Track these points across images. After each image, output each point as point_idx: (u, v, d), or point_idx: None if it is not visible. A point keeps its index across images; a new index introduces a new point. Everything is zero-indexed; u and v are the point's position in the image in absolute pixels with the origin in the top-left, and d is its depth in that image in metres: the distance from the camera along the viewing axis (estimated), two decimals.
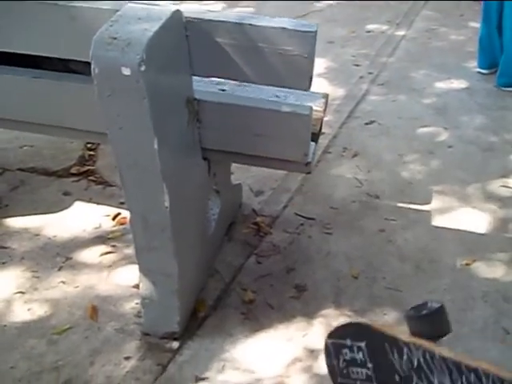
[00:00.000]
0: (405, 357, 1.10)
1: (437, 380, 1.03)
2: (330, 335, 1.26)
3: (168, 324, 2.16)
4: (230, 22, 1.74)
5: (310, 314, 2.29)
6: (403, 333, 1.11)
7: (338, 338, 1.26)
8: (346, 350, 1.26)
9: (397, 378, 1.13)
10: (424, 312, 1.12)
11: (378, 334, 1.17)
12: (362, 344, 1.22)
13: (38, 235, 2.68)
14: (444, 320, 1.12)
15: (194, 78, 1.92)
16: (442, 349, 1.03)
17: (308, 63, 1.75)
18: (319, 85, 3.72)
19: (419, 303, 1.09)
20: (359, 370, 1.24)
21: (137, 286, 2.26)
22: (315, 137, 2.26)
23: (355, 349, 1.24)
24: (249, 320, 2.27)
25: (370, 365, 1.22)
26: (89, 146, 3.26)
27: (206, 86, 2.11)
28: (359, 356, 1.23)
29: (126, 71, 1.52)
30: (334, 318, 2.28)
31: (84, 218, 2.78)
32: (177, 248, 1.96)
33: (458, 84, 4.16)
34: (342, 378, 1.27)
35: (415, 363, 1.08)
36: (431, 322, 1.10)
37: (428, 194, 2.99)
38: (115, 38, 1.56)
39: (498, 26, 4.06)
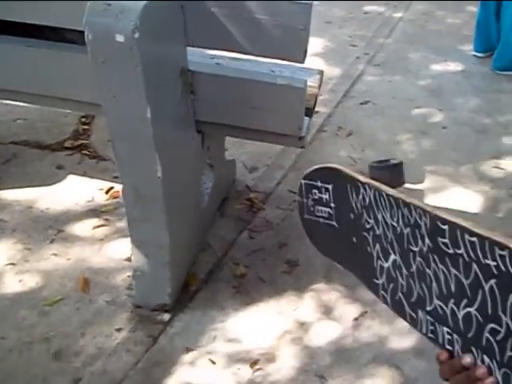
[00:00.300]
0: (360, 196, 1.24)
1: (380, 215, 1.16)
2: (305, 177, 1.42)
3: (159, 296, 2.17)
4: None
5: (301, 288, 2.30)
6: (364, 177, 1.23)
7: (311, 179, 1.44)
8: (315, 190, 1.43)
9: (352, 216, 1.28)
10: (385, 164, 1.19)
11: (343, 175, 1.31)
12: (330, 186, 1.39)
13: (30, 208, 2.68)
14: (400, 173, 1.21)
15: (189, 50, 1.91)
16: (389, 189, 1.13)
17: (303, 35, 1.74)
18: (316, 64, 3.70)
19: (382, 159, 1.20)
20: (323, 208, 1.42)
21: (129, 259, 2.26)
22: (309, 112, 2.26)
23: (323, 190, 1.41)
24: (240, 294, 2.28)
25: (332, 204, 1.39)
26: (83, 120, 3.25)
27: (200, 59, 2.10)
28: (325, 196, 1.40)
29: (120, 38, 1.51)
30: (324, 292, 2.29)
31: (77, 191, 2.78)
32: (169, 220, 1.96)
33: (453, 66, 4.15)
34: (307, 215, 1.48)
35: (367, 201, 1.21)
36: (390, 172, 1.20)
37: (421, 173, 2.99)
38: (109, 5, 1.55)
39: (496, 11, 4.06)
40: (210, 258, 2.42)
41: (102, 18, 1.53)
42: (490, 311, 0.92)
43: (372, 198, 1.24)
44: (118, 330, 2.13)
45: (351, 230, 1.35)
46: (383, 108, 3.56)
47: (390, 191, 1.16)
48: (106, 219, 2.62)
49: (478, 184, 2.93)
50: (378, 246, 1.25)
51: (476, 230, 0.94)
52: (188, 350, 2.06)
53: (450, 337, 1.01)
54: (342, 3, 5.04)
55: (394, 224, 1.18)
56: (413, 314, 1.12)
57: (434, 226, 1.05)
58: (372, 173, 1.36)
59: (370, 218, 1.26)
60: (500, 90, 3.84)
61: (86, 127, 3.21)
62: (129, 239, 2.10)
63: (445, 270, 1.03)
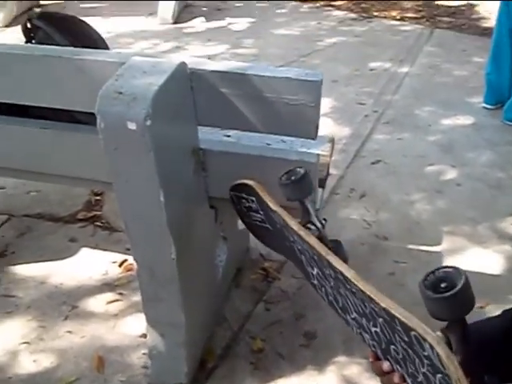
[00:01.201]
0: (275, 218, 1.51)
1: (295, 237, 1.41)
2: (231, 189, 1.68)
3: (176, 376, 2.13)
4: (233, 72, 1.73)
5: (320, 362, 2.25)
6: (272, 201, 1.52)
7: (237, 191, 1.66)
8: (244, 201, 1.65)
9: (277, 226, 1.50)
10: (292, 178, 1.53)
11: (259, 196, 1.54)
12: (254, 198, 1.60)
13: (44, 283, 2.66)
14: (306, 184, 1.53)
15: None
16: (292, 223, 1.41)
17: (314, 112, 1.74)
18: (324, 124, 3.68)
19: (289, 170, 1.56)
20: (256, 214, 1.65)
21: (144, 336, 2.23)
22: (322, 182, 2.24)
23: (249, 200, 1.62)
24: (258, 370, 2.23)
25: (261, 212, 1.61)
26: (95, 191, 3.25)
27: (211, 134, 2.11)
28: (253, 205, 1.62)
29: (132, 126, 1.51)
30: (345, 365, 2.24)
31: (90, 264, 2.76)
32: (184, 299, 1.94)
33: (463, 120, 4.15)
34: (246, 218, 1.70)
35: (281, 223, 1.47)
36: (297, 187, 1.53)
37: (438, 234, 2.96)
38: (121, 93, 1.55)
39: (511, 63, 4.08)
40: (226, 332, 2.38)
41: (114, 106, 1.53)
42: (387, 337, 1.06)
43: (283, 224, 1.47)
44: None
45: (282, 235, 1.52)
46: (395, 167, 3.55)
47: (294, 226, 1.42)
48: (120, 293, 2.59)
49: (497, 243, 2.89)
50: (303, 256, 1.43)
51: (355, 283, 1.12)
52: None
53: (372, 342, 1.14)
54: (348, 61, 5.09)
55: (306, 248, 1.38)
56: (343, 316, 1.26)
57: (330, 267, 1.22)
58: (282, 190, 1.50)
59: (290, 235, 1.46)
60: None
61: (98, 198, 3.22)
62: (143, 314, 2.07)
63: (349, 294, 1.17)
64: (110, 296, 2.58)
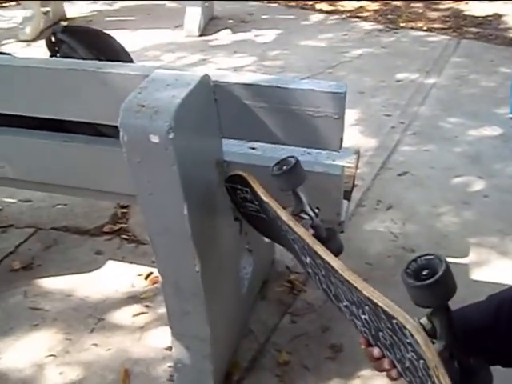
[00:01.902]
0: (268, 208, 1.52)
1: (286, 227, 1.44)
2: (226, 180, 1.72)
3: None
4: (257, 84, 1.73)
5: (346, 375, 2.23)
6: (264, 192, 1.56)
7: (232, 183, 1.70)
8: (239, 192, 1.69)
9: (271, 215, 1.54)
10: (284, 168, 1.54)
11: (252, 186, 1.59)
12: (248, 189, 1.63)
13: (70, 296, 2.68)
14: (297, 173, 1.53)
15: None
16: (283, 213, 1.45)
17: (338, 124, 1.73)
18: (350, 136, 3.70)
19: (281, 159, 1.57)
20: (251, 204, 1.68)
21: (169, 348, 2.23)
22: (348, 194, 2.23)
23: (244, 191, 1.66)
24: (284, 383, 2.22)
25: (256, 202, 1.63)
26: (121, 204, 3.27)
27: (235, 147, 2.11)
28: (248, 196, 1.65)
29: (155, 139, 1.52)
30: (370, 379, 2.21)
31: (116, 277, 2.77)
32: (209, 312, 1.93)
33: (491, 131, 4.10)
34: (242, 209, 1.75)
35: (274, 214, 1.51)
36: (288, 177, 1.54)
37: (465, 246, 2.92)
38: (143, 106, 1.56)
39: None
40: (252, 345, 2.37)
41: (137, 119, 1.54)
42: (375, 324, 1.09)
43: (275, 215, 1.50)
44: None
45: (277, 224, 1.55)
46: (422, 179, 3.52)
47: (284, 216, 1.46)
48: (146, 306, 2.60)
49: None
50: (296, 246, 1.46)
51: (340, 273, 1.15)
52: None
53: (363, 329, 1.17)
54: (374, 72, 5.07)
55: (297, 238, 1.41)
56: (336, 303, 1.29)
57: (318, 257, 1.26)
58: (275, 181, 1.52)
59: (283, 225, 1.48)
60: None
61: (124, 210, 3.24)
62: (169, 327, 2.07)
63: (339, 283, 1.20)
64: (135, 309, 2.59)
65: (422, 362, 0.96)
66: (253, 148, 2.16)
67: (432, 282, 0.93)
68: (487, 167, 3.65)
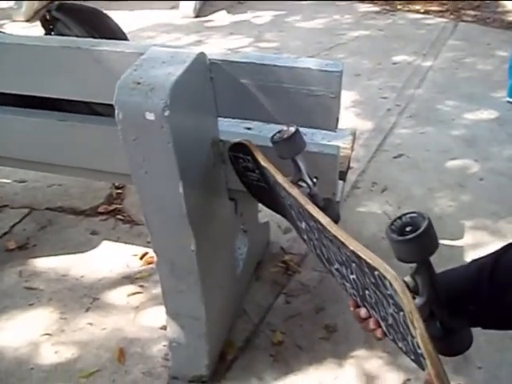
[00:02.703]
0: (267, 173, 1.57)
1: (284, 192, 1.46)
2: (229, 149, 1.74)
3: (196, 367, 2.13)
4: (254, 63, 1.72)
5: (340, 355, 2.24)
6: (263, 158, 1.58)
7: (235, 151, 1.72)
8: (241, 160, 1.71)
9: (271, 182, 1.57)
10: (284, 136, 1.53)
11: (252, 153, 1.61)
12: (249, 157, 1.65)
13: (65, 276, 2.68)
14: (296, 141, 1.54)
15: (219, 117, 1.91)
16: (279, 177, 1.48)
17: (334, 103, 1.72)
18: (346, 118, 3.70)
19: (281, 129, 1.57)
20: (252, 173, 1.71)
21: (164, 328, 2.23)
22: (343, 175, 2.23)
23: (246, 160, 1.68)
24: (278, 362, 2.23)
25: (257, 171, 1.66)
26: (116, 184, 3.26)
27: (231, 126, 2.10)
28: (250, 165, 1.67)
29: (150, 116, 1.51)
30: (365, 359, 2.22)
31: (111, 257, 2.77)
32: (204, 291, 1.93)
33: (487, 114, 4.10)
34: (244, 178, 1.77)
35: (272, 179, 1.53)
36: (289, 144, 1.54)
37: (460, 228, 2.93)
38: (139, 83, 1.55)
39: None
40: (247, 325, 2.38)
41: (132, 96, 1.53)
42: (361, 282, 1.11)
43: (273, 180, 1.54)
44: None
45: (276, 192, 1.58)
46: (417, 161, 3.52)
47: (280, 179, 1.49)
48: (141, 286, 2.60)
49: None
50: (293, 212, 1.49)
51: (329, 230, 1.18)
52: None
53: (352, 291, 1.20)
54: (371, 55, 5.05)
55: (293, 203, 1.43)
56: (329, 267, 1.32)
57: (310, 216, 1.28)
58: (274, 149, 1.57)
59: (281, 191, 1.52)
60: None
61: (119, 191, 3.23)
62: (164, 307, 2.07)
63: (330, 244, 1.22)
64: (130, 288, 2.59)
65: (401, 313, 0.98)
66: (248, 128, 2.16)
67: (414, 236, 0.96)
68: (483, 150, 3.65)
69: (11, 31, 5.35)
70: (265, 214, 2.76)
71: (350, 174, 3.17)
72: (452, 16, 6.00)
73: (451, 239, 2.82)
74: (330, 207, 1.56)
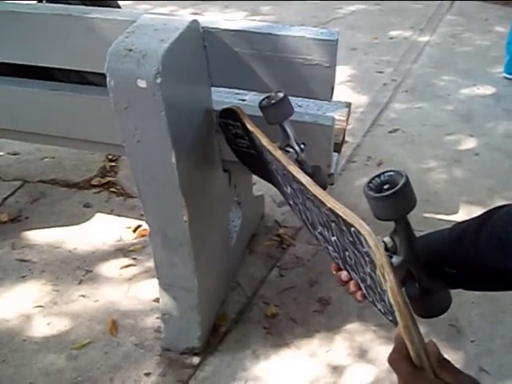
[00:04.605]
0: (254, 138, 1.59)
1: (270, 156, 1.49)
2: (219, 115, 1.76)
3: (188, 339, 2.12)
4: (248, 31, 1.69)
5: (333, 328, 2.24)
6: (250, 123, 1.60)
7: (225, 118, 1.75)
8: (231, 127, 1.73)
9: (259, 148, 1.59)
10: (272, 101, 1.56)
11: (240, 118, 1.64)
12: (238, 123, 1.67)
13: (58, 248, 2.66)
14: (284, 107, 1.56)
15: (213, 88, 1.88)
16: (264, 140, 1.51)
17: (330, 72, 1.69)
18: (342, 92, 3.68)
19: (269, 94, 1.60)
20: (241, 140, 1.73)
21: (157, 300, 2.22)
22: (338, 147, 2.21)
23: (235, 126, 1.70)
24: (271, 335, 2.22)
25: (246, 137, 1.68)
26: (110, 157, 3.24)
27: (225, 97, 2.08)
28: (239, 131, 1.69)
29: (142, 84, 1.48)
30: (358, 332, 2.22)
31: (105, 230, 2.76)
32: (197, 263, 1.92)
33: (483, 90, 4.08)
34: (234, 146, 1.80)
35: (258, 143, 1.57)
36: (277, 109, 1.57)
37: (455, 203, 2.92)
38: (131, 50, 1.52)
39: None
40: (240, 298, 2.37)
41: (124, 63, 1.50)
42: (341, 242, 1.12)
43: (259, 143, 1.55)
44: (147, 374, 2.09)
45: (263, 157, 1.60)
46: (413, 136, 3.50)
47: (265, 142, 1.51)
48: (134, 258, 2.59)
49: None
50: (278, 176, 1.51)
51: (309, 189, 1.20)
52: None
53: (334, 254, 1.20)
54: (367, 29, 5.01)
55: (278, 166, 1.44)
56: (313, 232, 1.33)
57: (292, 177, 1.31)
58: (263, 114, 1.59)
59: (267, 155, 1.53)
60: None
61: (112, 164, 3.21)
62: (156, 279, 2.06)
63: (312, 206, 1.23)
64: (123, 261, 2.58)
65: (377, 271, 0.97)
66: (243, 100, 2.14)
67: (391, 193, 0.94)
68: (479, 125, 3.64)
69: None
70: (259, 187, 2.75)
71: (346, 148, 3.16)
72: None
73: (446, 214, 2.82)
74: (318, 174, 1.58)
